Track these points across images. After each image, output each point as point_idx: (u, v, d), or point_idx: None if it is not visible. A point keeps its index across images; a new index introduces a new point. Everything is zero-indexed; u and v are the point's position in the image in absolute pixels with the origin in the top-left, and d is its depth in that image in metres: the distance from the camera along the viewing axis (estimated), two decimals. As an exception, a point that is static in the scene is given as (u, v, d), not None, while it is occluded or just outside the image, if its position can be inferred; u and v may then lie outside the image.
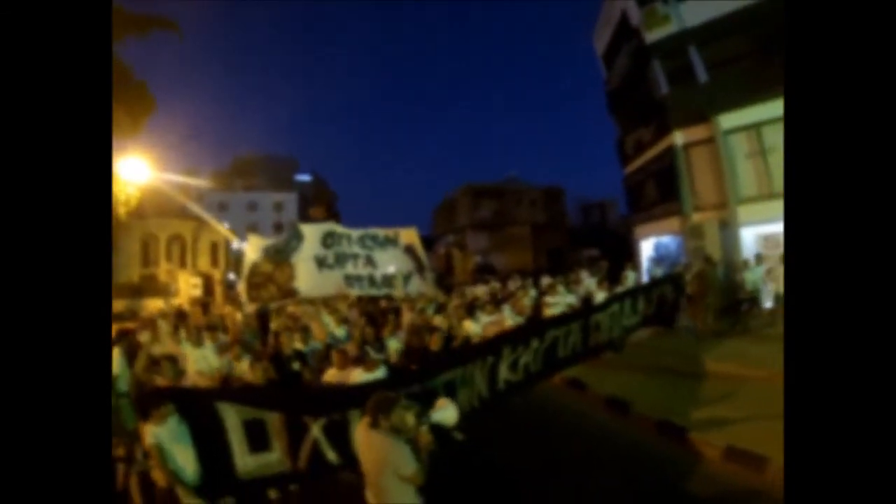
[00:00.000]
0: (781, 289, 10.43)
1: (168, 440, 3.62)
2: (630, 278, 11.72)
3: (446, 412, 3.39)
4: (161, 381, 4.89)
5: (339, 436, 3.97)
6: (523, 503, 4.02)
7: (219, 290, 26.14)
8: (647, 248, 20.14)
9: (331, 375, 5.17)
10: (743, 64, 14.39)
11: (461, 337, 7.07)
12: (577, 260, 29.40)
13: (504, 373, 5.59)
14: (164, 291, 24.59)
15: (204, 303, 19.21)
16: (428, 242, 49.82)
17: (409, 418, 2.97)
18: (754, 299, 10.83)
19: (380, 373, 5.06)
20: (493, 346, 5.79)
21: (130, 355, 5.77)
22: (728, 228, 13.88)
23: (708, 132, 14.36)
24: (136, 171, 16.26)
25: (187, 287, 25.39)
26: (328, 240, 10.17)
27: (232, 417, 3.79)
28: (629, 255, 19.94)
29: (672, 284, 8.72)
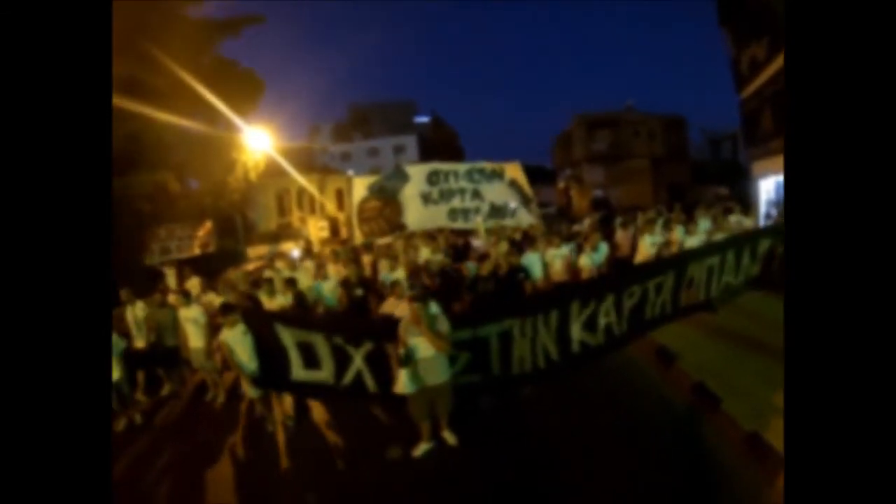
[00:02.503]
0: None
1: (233, 341, 4.87)
2: (731, 222, 9.32)
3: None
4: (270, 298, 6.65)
5: (380, 366, 4.54)
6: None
7: (344, 231, 29.83)
8: (766, 187, 17.13)
9: (388, 304, 5.92)
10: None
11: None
12: (702, 198, 26.09)
13: (577, 332, 4.95)
14: (297, 235, 28.97)
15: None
16: (549, 176, 48.49)
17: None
18: None
19: (432, 308, 4.66)
20: (557, 298, 5.25)
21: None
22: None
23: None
24: (258, 141, 19.54)
25: (316, 230, 29.61)
26: (433, 177, 10.55)
27: (287, 338, 4.63)
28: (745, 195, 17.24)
29: (784, 237, 7.16)
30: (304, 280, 7.57)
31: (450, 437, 4.59)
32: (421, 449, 4.48)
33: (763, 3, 12.79)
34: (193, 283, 8.52)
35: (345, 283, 7.14)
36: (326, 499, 4.10)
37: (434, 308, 4.33)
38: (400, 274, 7.09)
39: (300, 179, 26.62)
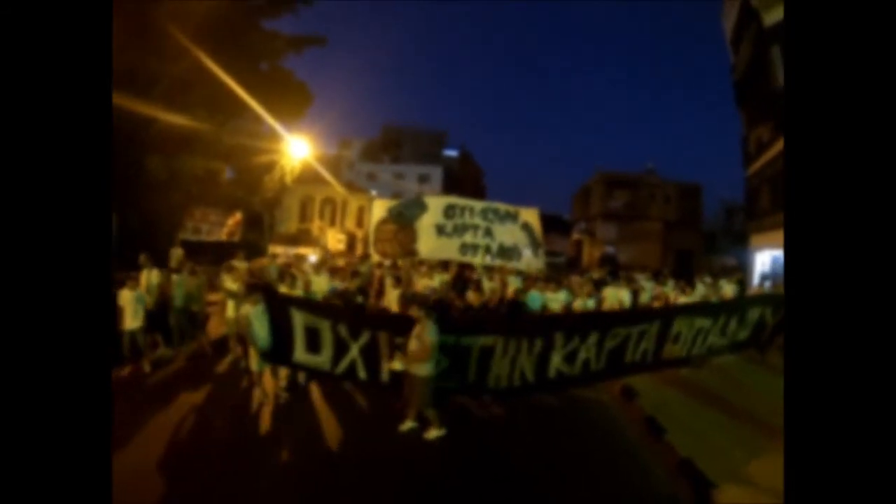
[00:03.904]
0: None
1: (254, 317, 5.44)
2: (726, 289, 10.35)
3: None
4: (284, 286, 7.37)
5: (372, 356, 5.10)
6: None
7: (360, 247, 30.97)
8: (763, 260, 17.93)
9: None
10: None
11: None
12: (710, 265, 26.70)
13: (557, 362, 5.33)
14: (314, 243, 30.22)
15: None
16: (565, 226, 49.34)
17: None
18: None
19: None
20: (543, 326, 5.56)
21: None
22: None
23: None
24: (298, 149, 21.14)
25: (334, 241, 30.83)
26: (450, 211, 11.15)
27: (298, 321, 5.20)
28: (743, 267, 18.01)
29: (773, 307, 7.14)
30: (320, 284, 8.53)
31: (410, 424, 5.14)
32: (409, 427, 5.10)
33: (772, 89, 14.00)
34: (177, 254, 9.60)
35: (342, 295, 7.86)
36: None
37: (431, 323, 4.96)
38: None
39: (339, 190, 27.84)
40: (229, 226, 17.24)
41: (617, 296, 9.05)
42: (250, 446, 4.74)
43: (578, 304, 8.68)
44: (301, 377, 6.25)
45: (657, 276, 10.91)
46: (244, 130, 15.97)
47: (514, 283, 9.12)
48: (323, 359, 5.23)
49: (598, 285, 10.40)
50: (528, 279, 9.82)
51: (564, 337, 5.30)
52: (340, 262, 13.24)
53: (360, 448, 4.83)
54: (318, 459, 4.56)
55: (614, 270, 18.13)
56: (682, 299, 8.89)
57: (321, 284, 8.36)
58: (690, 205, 36.62)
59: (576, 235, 44.20)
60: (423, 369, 4.84)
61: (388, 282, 8.95)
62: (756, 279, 16.92)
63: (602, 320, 5.95)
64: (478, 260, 10.97)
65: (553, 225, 51.76)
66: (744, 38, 15.83)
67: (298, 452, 4.68)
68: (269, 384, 5.99)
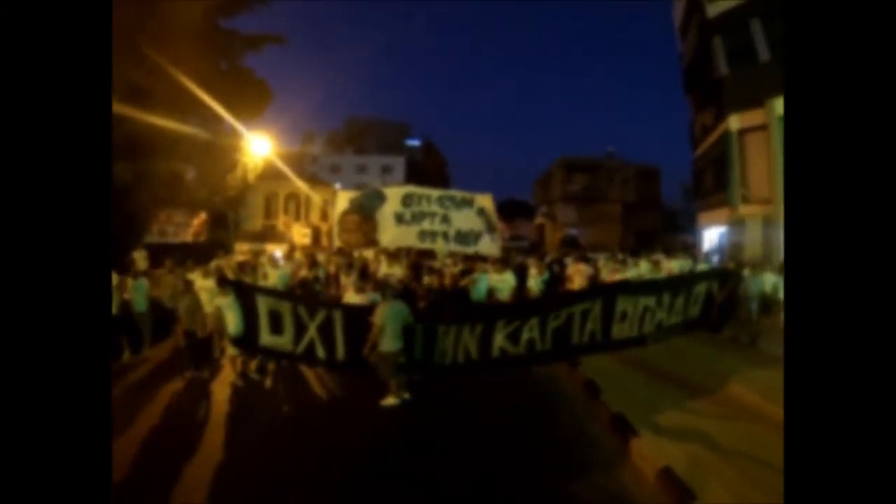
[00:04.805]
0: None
1: (226, 307, 6.14)
2: (666, 265, 10.91)
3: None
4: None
5: (328, 335, 5.61)
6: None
7: (325, 240, 30.84)
8: (710, 237, 19.18)
9: (348, 296, 7.30)
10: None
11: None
12: (670, 245, 28.02)
13: (500, 341, 5.62)
14: (280, 238, 29.89)
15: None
16: (529, 211, 50.37)
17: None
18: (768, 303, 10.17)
19: (366, 298, 6.57)
20: (483, 314, 6.04)
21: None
22: (772, 226, 13.04)
23: (764, 118, 13.33)
24: (259, 146, 20.87)
25: (299, 236, 30.58)
26: (408, 200, 11.58)
27: (262, 306, 5.72)
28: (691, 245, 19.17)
29: (719, 281, 7.05)
30: (274, 274, 9.36)
31: (391, 399, 5.77)
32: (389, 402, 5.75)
33: (715, 78, 15.03)
34: (140, 256, 9.96)
35: (303, 284, 8.71)
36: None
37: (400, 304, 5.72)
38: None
39: (303, 188, 27.65)
40: (195, 226, 17.06)
41: (579, 270, 9.93)
42: (226, 422, 5.43)
43: (532, 283, 9.46)
44: (272, 366, 7.05)
45: (614, 255, 11.86)
46: (206, 130, 15.79)
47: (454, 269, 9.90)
48: (285, 339, 5.71)
49: (559, 264, 11.28)
50: (474, 261, 10.50)
51: (505, 318, 5.72)
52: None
53: (332, 415, 5.77)
54: (290, 430, 5.33)
55: (578, 251, 18.99)
56: (619, 276, 9.50)
57: (276, 274, 9.25)
58: (649, 186, 38.00)
59: (538, 219, 45.32)
60: (385, 345, 5.49)
61: (343, 271, 9.76)
62: (704, 255, 18.16)
63: (540, 305, 6.42)
64: (436, 246, 11.45)
65: (519, 210, 53.01)
66: (690, 27, 16.80)
67: (274, 421, 5.53)
68: (243, 366, 6.72)
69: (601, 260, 12.14)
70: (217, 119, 16.78)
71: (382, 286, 6.50)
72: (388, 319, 5.47)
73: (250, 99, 16.42)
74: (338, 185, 36.91)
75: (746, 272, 8.66)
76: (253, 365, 6.88)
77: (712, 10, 14.21)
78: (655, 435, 4.88)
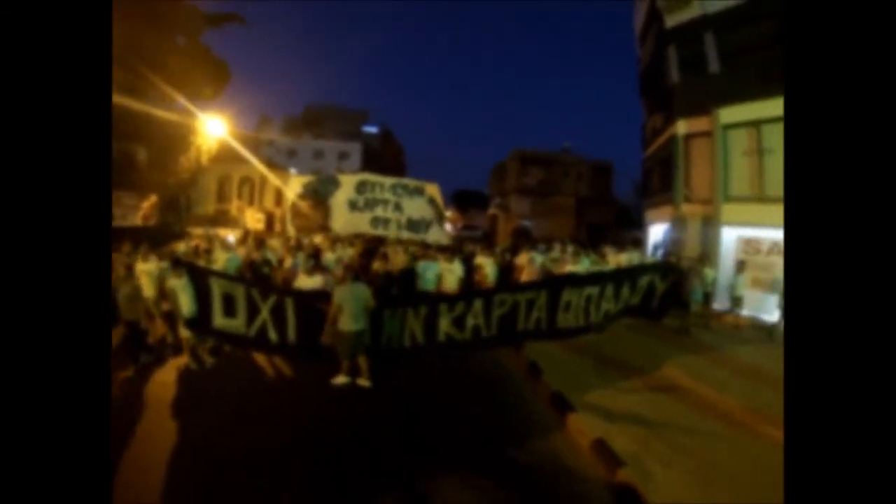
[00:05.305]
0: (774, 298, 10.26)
1: (179, 289, 6.18)
2: (614, 259, 11.67)
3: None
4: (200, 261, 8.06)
5: (280, 318, 5.70)
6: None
7: (278, 225, 30.10)
8: (655, 233, 20.38)
9: (300, 280, 7.37)
10: (757, 56, 13.92)
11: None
12: (622, 239, 29.14)
13: (445, 326, 5.85)
14: (233, 223, 28.87)
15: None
16: (483, 202, 51.05)
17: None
18: (707, 295, 10.66)
19: (315, 281, 6.89)
20: (427, 300, 6.33)
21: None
22: (710, 225, 14.12)
23: (709, 125, 14.37)
24: (214, 127, 20.02)
25: (253, 220, 29.69)
26: (361, 187, 11.72)
27: (216, 288, 5.73)
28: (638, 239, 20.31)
29: (661, 273, 7.52)
30: (223, 257, 9.39)
31: (342, 378, 6.11)
32: (339, 381, 6.08)
33: (668, 84, 16.01)
34: None
35: (251, 265, 9.26)
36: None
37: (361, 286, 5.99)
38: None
39: (263, 170, 26.71)
40: (144, 209, 16.25)
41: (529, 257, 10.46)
42: (178, 406, 5.50)
43: (483, 262, 10.18)
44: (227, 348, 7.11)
45: (564, 247, 12.71)
46: (159, 109, 15.04)
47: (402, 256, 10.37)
48: (239, 322, 5.76)
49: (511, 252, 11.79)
50: (424, 248, 10.93)
51: (449, 304, 5.96)
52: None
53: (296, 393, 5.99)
54: (243, 412, 5.44)
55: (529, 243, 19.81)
56: (569, 268, 9.90)
57: (224, 258, 9.27)
58: (603, 181, 39.15)
59: (492, 210, 46.02)
60: (343, 325, 5.73)
61: (289, 254, 10.04)
62: (650, 249, 19.34)
63: (484, 291, 6.74)
64: (388, 233, 11.69)
65: (473, 200, 53.66)
66: (649, 35, 17.69)
67: (227, 404, 5.63)
68: (196, 349, 6.86)
69: (555, 251, 12.77)
70: (172, 98, 16.02)
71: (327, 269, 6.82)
72: (345, 300, 5.70)
73: (208, 78, 15.81)
74: (294, 171, 36.02)
75: (686, 265, 9.56)
76: (206, 348, 6.94)
77: (670, 21, 15.00)
78: (591, 411, 5.44)
